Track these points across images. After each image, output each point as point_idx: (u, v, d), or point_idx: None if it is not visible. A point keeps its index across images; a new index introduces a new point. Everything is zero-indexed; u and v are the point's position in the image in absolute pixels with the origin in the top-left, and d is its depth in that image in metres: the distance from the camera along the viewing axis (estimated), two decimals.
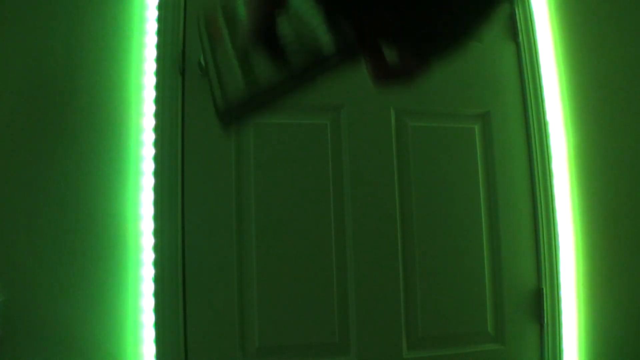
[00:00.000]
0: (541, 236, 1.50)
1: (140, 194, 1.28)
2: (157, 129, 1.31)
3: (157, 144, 1.30)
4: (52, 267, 1.22)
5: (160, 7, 1.35)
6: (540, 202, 1.51)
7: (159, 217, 1.27)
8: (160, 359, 1.23)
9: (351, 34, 0.25)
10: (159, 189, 1.28)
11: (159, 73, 1.33)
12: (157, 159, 1.29)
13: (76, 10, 1.31)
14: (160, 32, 1.34)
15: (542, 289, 1.48)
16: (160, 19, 1.35)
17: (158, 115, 1.31)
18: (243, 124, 0.27)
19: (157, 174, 1.29)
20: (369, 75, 0.30)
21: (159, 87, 1.32)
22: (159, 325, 1.24)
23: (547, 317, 1.46)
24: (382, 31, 0.24)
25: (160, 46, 1.34)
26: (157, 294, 1.25)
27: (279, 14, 0.30)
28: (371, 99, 1.44)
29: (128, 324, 1.24)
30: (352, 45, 0.25)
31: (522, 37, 1.57)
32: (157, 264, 1.25)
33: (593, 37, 1.61)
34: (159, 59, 1.33)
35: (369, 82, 0.29)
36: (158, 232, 1.26)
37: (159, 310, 1.24)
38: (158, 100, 1.32)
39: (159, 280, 1.25)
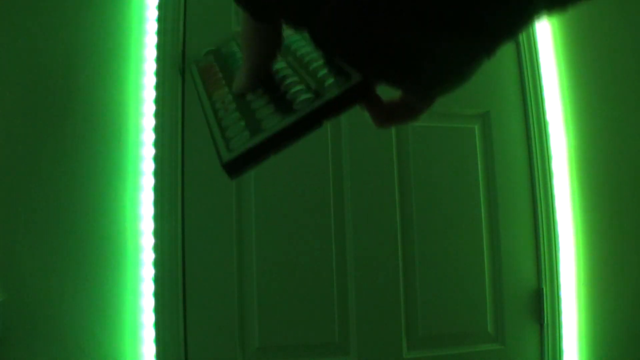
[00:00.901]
0: (541, 236, 1.50)
1: (140, 194, 1.28)
2: (157, 129, 1.31)
3: (157, 144, 1.30)
4: (52, 267, 1.22)
5: (160, 7, 1.35)
6: (540, 202, 1.51)
7: (159, 217, 1.27)
8: (160, 359, 1.23)
9: (355, 77, 0.25)
10: (159, 189, 1.28)
11: (159, 73, 1.33)
12: (157, 159, 1.29)
13: (76, 11, 1.31)
14: (160, 32, 1.34)
15: (542, 289, 1.48)
16: (160, 19, 1.35)
17: (158, 115, 1.31)
18: (249, 171, 0.26)
19: (157, 174, 1.29)
20: (370, 117, 0.29)
21: (159, 87, 1.32)
22: (159, 325, 1.24)
23: (547, 317, 1.47)
24: (383, 75, 0.24)
25: (160, 46, 1.34)
26: (157, 294, 1.25)
27: (276, 57, 0.29)
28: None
29: (128, 324, 1.24)
30: (356, 88, 0.25)
31: (522, 37, 1.57)
32: (157, 264, 1.25)
33: (593, 37, 1.62)
34: (159, 59, 1.33)
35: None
36: (158, 232, 1.26)
37: (159, 310, 1.24)
38: (158, 100, 1.32)
39: (159, 280, 1.25)
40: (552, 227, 1.50)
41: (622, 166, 1.58)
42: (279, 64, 0.30)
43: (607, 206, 1.54)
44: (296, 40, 0.32)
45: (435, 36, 0.21)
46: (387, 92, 0.27)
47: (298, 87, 0.27)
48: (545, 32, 1.60)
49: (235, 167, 0.26)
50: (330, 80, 0.26)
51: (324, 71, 0.27)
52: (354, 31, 0.22)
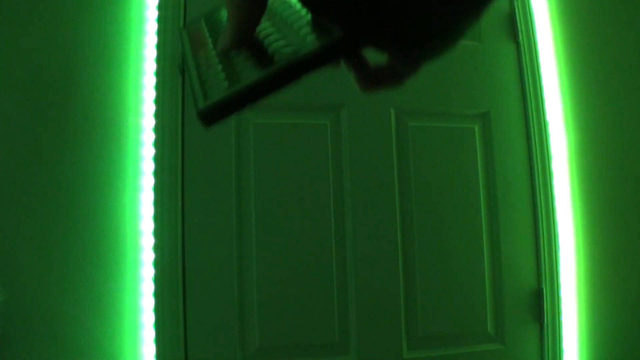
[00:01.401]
0: (541, 236, 1.50)
1: (140, 194, 1.28)
2: (157, 129, 1.31)
3: (157, 144, 1.30)
4: (52, 267, 1.22)
5: (160, 7, 1.35)
6: (540, 202, 1.51)
7: (159, 217, 1.27)
8: (160, 359, 1.23)
9: (336, 33, 0.25)
10: (159, 189, 1.28)
11: (159, 73, 1.33)
12: (157, 159, 1.29)
13: (76, 10, 1.31)
14: (160, 32, 1.34)
15: (542, 289, 1.48)
16: (160, 19, 1.35)
17: (158, 115, 1.31)
18: (225, 121, 0.27)
19: (157, 174, 1.29)
20: (354, 80, 0.29)
21: (159, 87, 1.32)
22: (159, 325, 1.24)
23: (547, 317, 1.46)
24: (367, 34, 0.24)
25: (160, 46, 1.34)
26: (157, 294, 1.25)
27: (260, 17, 0.29)
28: (371, 99, 1.44)
29: (128, 324, 1.24)
30: (337, 43, 0.25)
31: (522, 37, 1.57)
32: (157, 264, 1.25)
33: (593, 37, 1.61)
34: (159, 59, 1.33)
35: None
36: (158, 232, 1.26)
37: (159, 310, 1.24)
38: (158, 100, 1.32)
39: (159, 280, 1.25)
40: (552, 227, 1.50)
41: (622, 166, 1.58)
42: (264, 24, 0.30)
43: (607, 206, 1.54)
44: (282, 1, 0.32)
45: None
46: (372, 57, 0.27)
47: (279, 43, 0.27)
48: (546, 32, 1.60)
49: (211, 115, 0.26)
50: (312, 36, 0.26)
51: (307, 29, 0.27)
52: None
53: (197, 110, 0.26)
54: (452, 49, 0.25)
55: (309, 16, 0.28)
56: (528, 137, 1.55)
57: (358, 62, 0.28)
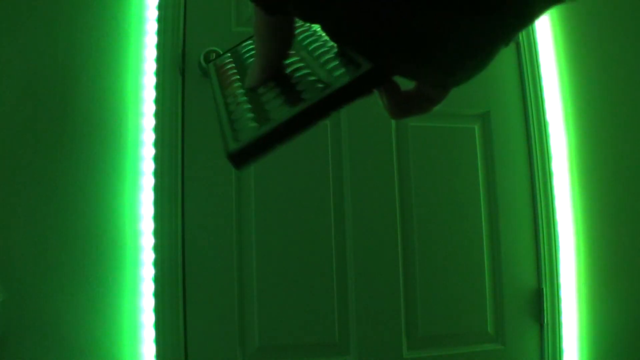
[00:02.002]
0: (541, 236, 1.50)
1: (140, 194, 1.28)
2: (157, 129, 1.31)
3: (157, 144, 1.30)
4: (52, 267, 1.22)
5: (160, 7, 1.35)
6: (540, 202, 1.51)
7: (159, 217, 1.27)
8: (160, 359, 1.23)
9: (365, 66, 0.25)
10: (159, 189, 1.28)
11: (159, 73, 1.33)
12: (157, 159, 1.29)
13: (76, 11, 1.31)
14: (160, 32, 1.34)
15: (542, 289, 1.48)
16: (160, 19, 1.35)
17: (158, 115, 1.31)
18: (255, 162, 0.26)
19: (157, 174, 1.29)
20: (385, 107, 0.29)
21: (159, 87, 1.32)
22: (159, 325, 1.24)
23: (547, 317, 1.46)
24: (396, 65, 0.24)
25: (160, 46, 1.34)
26: (157, 294, 1.25)
27: (288, 51, 0.29)
28: (371, 99, 1.44)
29: (128, 324, 1.24)
30: (366, 76, 0.25)
31: (522, 37, 1.57)
32: (157, 264, 1.25)
33: (593, 37, 1.62)
34: (159, 59, 1.33)
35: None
36: (158, 232, 1.26)
37: (159, 310, 1.24)
38: (158, 100, 1.32)
39: (159, 280, 1.25)
40: (552, 227, 1.50)
41: (622, 166, 1.58)
42: (291, 59, 0.30)
43: (607, 206, 1.54)
44: (308, 34, 0.32)
45: (447, 19, 0.21)
46: (402, 84, 0.27)
47: (308, 79, 0.27)
48: (546, 31, 1.60)
49: (241, 157, 0.25)
50: (340, 71, 0.26)
51: (335, 62, 0.27)
52: (366, 19, 0.22)
53: (227, 152, 0.25)
54: (480, 71, 0.25)
55: (335, 48, 0.28)
56: (528, 137, 1.55)
57: (389, 89, 0.28)
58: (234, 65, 0.36)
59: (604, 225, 1.53)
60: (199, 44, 1.35)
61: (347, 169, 1.42)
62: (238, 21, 1.40)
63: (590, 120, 1.57)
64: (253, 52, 0.35)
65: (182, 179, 1.31)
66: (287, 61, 0.30)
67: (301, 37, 0.32)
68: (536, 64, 1.57)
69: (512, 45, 1.58)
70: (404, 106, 0.29)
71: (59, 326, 1.20)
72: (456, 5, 0.20)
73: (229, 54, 0.38)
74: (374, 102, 0.29)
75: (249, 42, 0.37)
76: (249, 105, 0.28)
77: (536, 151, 1.53)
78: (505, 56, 1.57)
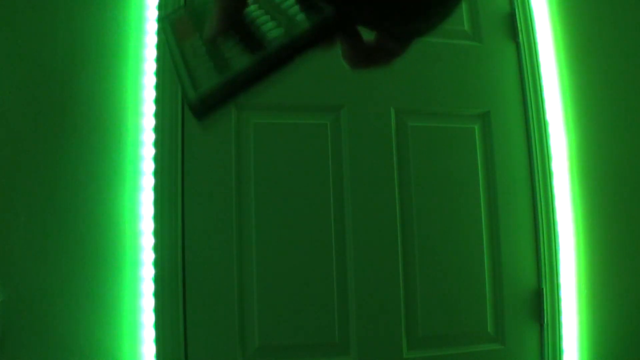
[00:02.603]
0: (541, 236, 1.50)
1: (140, 194, 1.28)
2: (157, 129, 1.31)
3: (157, 144, 1.30)
4: (52, 267, 1.22)
5: (160, 7, 1.35)
6: (540, 202, 1.51)
7: (159, 217, 1.27)
8: (160, 359, 1.23)
9: (327, 10, 0.24)
10: (159, 189, 1.28)
11: (159, 73, 1.33)
12: (157, 159, 1.29)
13: (76, 11, 1.31)
14: (160, 32, 1.34)
15: (542, 289, 1.48)
16: (160, 19, 1.35)
17: (158, 115, 1.31)
18: (218, 111, 0.25)
19: (157, 174, 1.29)
20: (344, 57, 0.28)
21: (159, 87, 1.32)
22: (159, 325, 1.24)
23: (547, 317, 1.46)
24: (358, 11, 0.23)
25: (160, 46, 1.34)
26: (157, 294, 1.25)
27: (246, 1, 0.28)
28: (371, 99, 1.44)
29: (128, 324, 1.24)
30: (328, 21, 0.24)
31: (522, 37, 1.57)
32: (157, 264, 1.25)
33: (593, 37, 1.61)
34: (159, 59, 1.33)
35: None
36: (158, 232, 1.26)
37: (159, 310, 1.24)
38: (158, 100, 1.32)
39: (159, 280, 1.25)
40: (552, 227, 1.50)
41: (622, 166, 1.58)
42: (250, 7, 0.29)
43: (607, 206, 1.54)
44: None
45: None
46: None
47: (268, 25, 0.26)
48: (546, 32, 1.60)
49: (203, 106, 0.24)
50: (301, 16, 0.25)
51: (296, 8, 0.26)
52: None
53: (187, 102, 0.25)
54: (441, 24, 0.24)
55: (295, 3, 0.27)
56: (528, 137, 1.55)
57: (351, 38, 0.27)
58: (190, 19, 0.35)
59: (604, 225, 1.53)
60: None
61: (347, 168, 1.42)
62: None
63: (590, 120, 1.57)
64: (210, 4, 0.34)
65: (182, 179, 1.31)
66: (247, 9, 0.29)
67: None
68: (536, 64, 1.57)
69: (512, 45, 1.58)
70: (364, 57, 0.28)
71: (59, 326, 1.20)
72: None
73: (184, 9, 0.37)
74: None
75: None
76: (208, 55, 0.27)
77: (536, 151, 1.53)
78: (505, 56, 1.57)
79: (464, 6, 1.55)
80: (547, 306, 1.47)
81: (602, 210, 1.54)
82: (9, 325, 1.18)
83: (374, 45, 0.28)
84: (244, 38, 0.27)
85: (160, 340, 1.23)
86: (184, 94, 0.25)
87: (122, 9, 1.34)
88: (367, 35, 0.27)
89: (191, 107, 0.24)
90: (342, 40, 0.27)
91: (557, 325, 1.47)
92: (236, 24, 0.28)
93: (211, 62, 0.26)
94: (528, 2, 1.59)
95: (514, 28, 1.58)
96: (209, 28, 0.29)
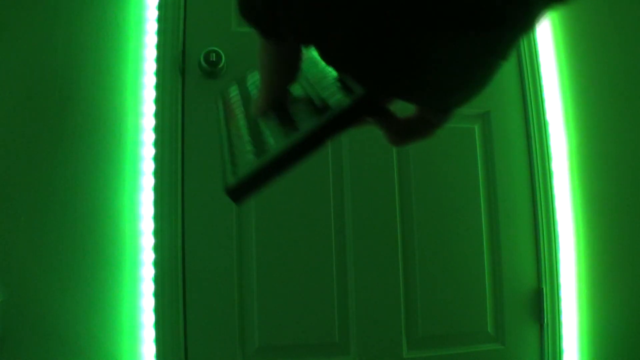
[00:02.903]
0: (541, 236, 1.50)
1: (140, 194, 1.28)
2: (157, 129, 1.31)
3: (157, 144, 1.30)
4: (52, 267, 1.22)
5: (160, 7, 1.35)
6: (540, 202, 1.51)
7: (159, 217, 1.27)
8: (160, 359, 1.23)
9: (357, 91, 0.24)
10: (159, 189, 1.28)
11: (159, 73, 1.33)
12: (157, 159, 1.29)
13: (76, 11, 1.31)
14: (160, 32, 1.34)
15: (542, 289, 1.48)
16: (160, 19, 1.35)
17: (158, 115, 1.31)
18: (253, 196, 0.26)
19: (157, 174, 1.29)
20: (384, 135, 0.28)
21: (159, 87, 1.32)
22: (159, 325, 1.24)
23: (547, 317, 1.46)
24: (391, 88, 0.23)
25: (160, 46, 1.34)
26: (157, 294, 1.25)
27: (294, 80, 0.28)
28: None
29: (128, 324, 1.24)
30: (359, 102, 0.24)
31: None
32: (157, 264, 1.25)
33: (593, 37, 1.62)
34: (159, 59, 1.33)
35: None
36: (158, 232, 1.26)
37: (159, 310, 1.24)
38: (158, 100, 1.32)
39: (159, 280, 1.25)
40: (552, 227, 1.50)
41: (622, 166, 1.58)
42: (295, 88, 0.30)
43: (607, 206, 1.54)
44: (308, 62, 0.31)
45: (440, 38, 0.20)
46: (405, 109, 0.26)
47: (305, 108, 0.27)
48: (546, 31, 1.60)
49: (239, 192, 0.25)
50: (334, 98, 0.25)
51: (332, 90, 0.26)
52: (361, 43, 0.21)
53: (225, 186, 0.25)
54: (481, 91, 0.24)
55: (334, 74, 0.27)
56: (528, 137, 1.55)
57: (385, 117, 0.28)
58: (239, 97, 0.35)
59: (604, 225, 1.53)
60: (199, 44, 1.35)
61: (347, 168, 1.42)
62: (238, 21, 1.40)
63: (590, 120, 1.57)
64: (258, 82, 0.35)
65: (182, 179, 1.31)
66: (292, 91, 0.29)
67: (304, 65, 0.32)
68: (536, 64, 1.57)
69: None
70: (404, 133, 0.28)
71: (59, 326, 1.20)
72: (452, 23, 0.19)
73: (236, 86, 0.38)
74: None
75: (257, 73, 0.37)
76: (250, 138, 0.28)
77: (536, 151, 1.53)
78: None
79: None
80: (547, 306, 1.47)
81: (602, 210, 1.54)
82: (9, 325, 1.18)
83: (413, 119, 0.28)
84: (283, 122, 0.27)
85: (160, 340, 1.23)
86: (224, 178, 0.26)
87: (122, 9, 1.34)
88: (408, 109, 0.26)
89: (228, 193, 0.25)
90: (375, 121, 0.28)
91: (557, 325, 1.47)
92: (281, 105, 0.29)
93: (251, 147, 0.27)
94: None
95: None
96: (254, 107, 0.29)
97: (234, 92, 0.37)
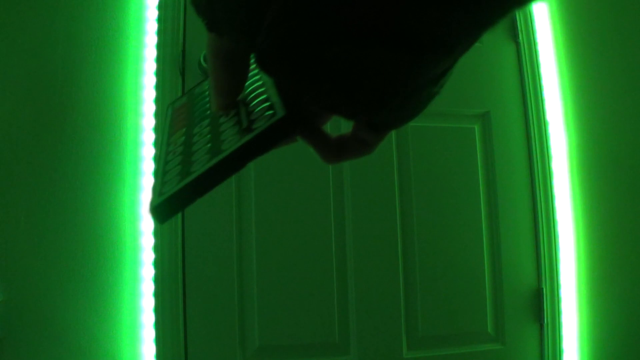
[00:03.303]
0: (541, 236, 1.50)
1: (139, 193, 1.28)
2: (157, 129, 1.31)
3: (157, 144, 1.30)
4: (52, 267, 1.22)
5: (160, 7, 1.35)
6: (540, 202, 1.51)
7: None
8: (160, 359, 1.23)
9: (278, 113, 0.24)
10: None
11: (159, 73, 1.33)
12: (157, 159, 1.29)
13: (76, 11, 1.31)
14: (160, 32, 1.34)
15: (542, 289, 1.48)
16: (160, 19, 1.35)
17: (158, 115, 1.31)
18: (172, 216, 0.25)
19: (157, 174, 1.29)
20: (316, 152, 0.28)
21: (159, 87, 1.32)
22: (159, 325, 1.24)
23: (547, 317, 1.46)
24: (313, 101, 0.22)
25: (160, 46, 1.34)
26: (157, 294, 1.25)
27: (238, 88, 0.27)
28: None
29: (128, 324, 1.24)
30: (279, 123, 0.24)
31: (522, 37, 1.57)
32: (157, 264, 1.25)
33: (593, 36, 1.61)
34: (159, 59, 1.33)
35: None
36: (158, 232, 1.26)
37: (159, 310, 1.24)
38: (158, 100, 1.32)
39: (159, 280, 1.25)
40: (552, 227, 1.50)
41: (622, 166, 1.58)
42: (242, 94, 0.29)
43: (607, 206, 1.54)
44: (253, 70, 0.30)
45: (369, 53, 0.19)
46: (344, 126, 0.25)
47: (230, 126, 0.26)
48: (546, 31, 1.60)
49: (161, 211, 0.24)
50: (260, 117, 0.25)
51: (260, 107, 0.26)
52: (292, 49, 0.20)
53: (149, 205, 0.25)
54: (414, 116, 0.23)
55: (268, 88, 0.27)
56: (528, 137, 1.55)
57: (314, 136, 0.27)
58: (187, 108, 0.34)
59: (604, 225, 1.53)
60: (199, 44, 1.35)
61: (347, 168, 1.42)
62: None
63: (590, 120, 1.57)
64: (206, 93, 0.34)
65: None
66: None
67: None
68: (536, 64, 1.57)
69: (512, 45, 1.58)
70: (336, 151, 0.28)
71: (59, 326, 1.20)
72: (384, 41, 0.19)
73: (187, 96, 0.37)
74: None
75: (206, 82, 0.36)
76: (181, 156, 0.27)
77: (536, 151, 1.53)
78: (505, 56, 1.57)
79: None
80: (547, 306, 1.47)
81: (602, 210, 1.54)
82: (9, 325, 1.18)
83: (347, 138, 0.28)
84: (212, 138, 0.27)
85: (160, 340, 1.23)
86: (152, 195, 0.25)
87: (122, 9, 1.34)
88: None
89: (152, 213, 0.24)
90: (305, 139, 0.27)
91: (557, 325, 1.47)
92: (216, 118, 0.28)
93: (179, 166, 0.26)
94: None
95: (514, 28, 1.58)
96: (211, 107, 0.28)
97: (184, 101, 0.36)
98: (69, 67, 1.29)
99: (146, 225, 1.27)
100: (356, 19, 0.18)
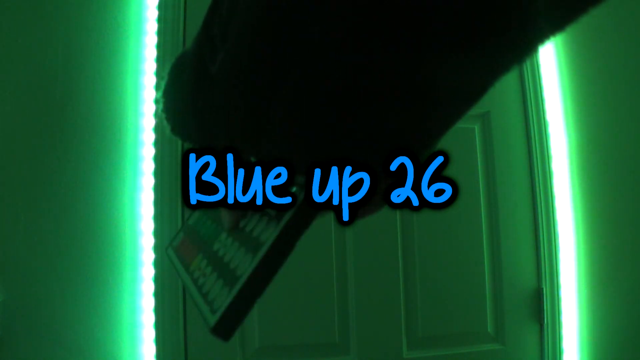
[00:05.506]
0: (541, 236, 1.50)
1: (139, 194, 1.28)
2: (157, 129, 1.31)
3: (157, 144, 1.30)
4: (52, 267, 1.22)
5: (160, 7, 1.35)
6: (540, 202, 1.51)
7: (159, 217, 1.27)
8: (160, 359, 1.23)
9: (299, 200, 0.24)
10: (158, 189, 1.28)
11: (159, 73, 1.33)
12: (157, 159, 1.29)
13: (75, 11, 1.31)
14: (160, 32, 1.34)
15: (542, 288, 1.48)
16: (160, 19, 1.35)
17: (158, 115, 1.31)
18: (235, 327, 0.23)
19: (157, 174, 1.29)
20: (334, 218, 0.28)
21: (159, 87, 1.32)
22: (159, 325, 1.24)
23: (547, 317, 1.46)
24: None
25: (160, 46, 1.34)
26: (157, 294, 1.25)
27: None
28: None
29: (128, 324, 1.24)
30: (303, 207, 0.23)
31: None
32: (157, 264, 1.25)
33: (593, 36, 1.61)
34: (159, 59, 1.33)
35: None
36: (158, 232, 1.26)
37: (159, 310, 1.24)
38: (158, 100, 1.31)
39: (159, 280, 1.25)
40: (552, 227, 1.50)
41: (622, 166, 1.58)
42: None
43: (607, 206, 1.54)
44: None
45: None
46: None
47: (255, 223, 0.26)
48: None
49: (224, 327, 0.23)
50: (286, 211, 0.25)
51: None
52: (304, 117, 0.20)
53: (209, 329, 0.23)
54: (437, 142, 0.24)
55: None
56: (528, 137, 1.55)
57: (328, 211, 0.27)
58: (189, 240, 0.34)
59: (604, 225, 1.53)
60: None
61: None
62: None
63: (590, 120, 1.57)
64: (203, 221, 0.34)
65: None
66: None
67: None
68: (536, 64, 1.57)
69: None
70: (351, 220, 0.28)
71: (59, 326, 1.20)
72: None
73: (182, 232, 0.37)
74: None
75: (196, 213, 0.36)
76: (216, 272, 0.26)
77: (536, 151, 1.53)
78: None
79: None
80: (547, 306, 1.47)
81: (602, 210, 1.54)
82: (9, 325, 1.18)
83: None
84: (244, 242, 0.26)
85: (160, 340, 1.23)
86: (205, 321, 0.24)
87: (122, 9, 1.34)
88: None
89: (214, 333, 0.23)
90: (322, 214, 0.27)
91: (557, 325, 1.47)
92: (237, 229, 0.28)
93: (220, 279, 0.25)
94: None
95: None
96: (224, 224, 0.29)
97: (181, 237, 0.36)
98: (69, 68, 1.29)
99: (146, 225, 1.27)
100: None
